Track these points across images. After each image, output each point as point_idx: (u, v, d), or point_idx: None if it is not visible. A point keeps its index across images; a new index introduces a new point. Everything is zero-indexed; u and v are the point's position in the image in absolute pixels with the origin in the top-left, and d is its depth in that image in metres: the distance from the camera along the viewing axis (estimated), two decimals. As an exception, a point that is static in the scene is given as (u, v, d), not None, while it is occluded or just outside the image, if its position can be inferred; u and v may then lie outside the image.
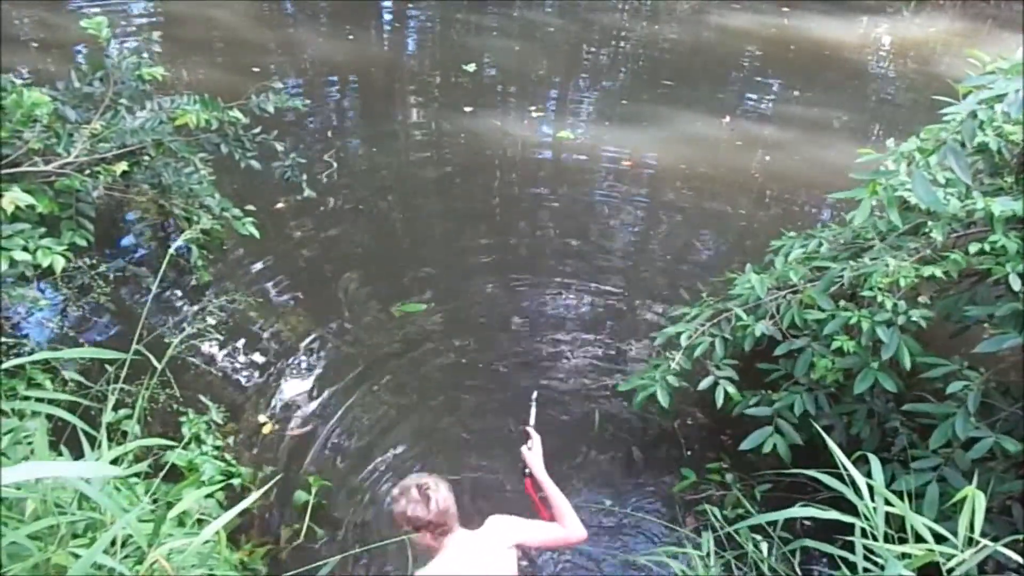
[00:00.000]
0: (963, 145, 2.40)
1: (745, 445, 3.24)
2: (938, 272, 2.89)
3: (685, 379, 3.38)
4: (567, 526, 2.37)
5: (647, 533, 3.32)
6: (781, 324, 3.27)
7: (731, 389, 3.30)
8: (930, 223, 3.12)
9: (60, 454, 1.82)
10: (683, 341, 3.39)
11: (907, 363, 2.90)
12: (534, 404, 2.75)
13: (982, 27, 10.89)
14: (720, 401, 3.28)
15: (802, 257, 3.59)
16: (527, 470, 2.54)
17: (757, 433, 3.24)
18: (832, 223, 3.94)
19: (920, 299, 3.02)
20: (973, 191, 3.02)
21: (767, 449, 3.18)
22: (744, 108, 7.71)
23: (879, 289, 2.97)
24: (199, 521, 2.50)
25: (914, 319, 2.91)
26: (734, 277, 3.72)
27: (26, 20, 7.84)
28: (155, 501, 2.40)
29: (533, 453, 2.53)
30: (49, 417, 1.86)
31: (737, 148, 6.76)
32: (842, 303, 3.18)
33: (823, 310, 3.16)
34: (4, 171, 3.23)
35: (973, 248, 2.90)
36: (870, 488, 1.85)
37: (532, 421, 2.66)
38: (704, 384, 3.36)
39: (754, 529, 2.45)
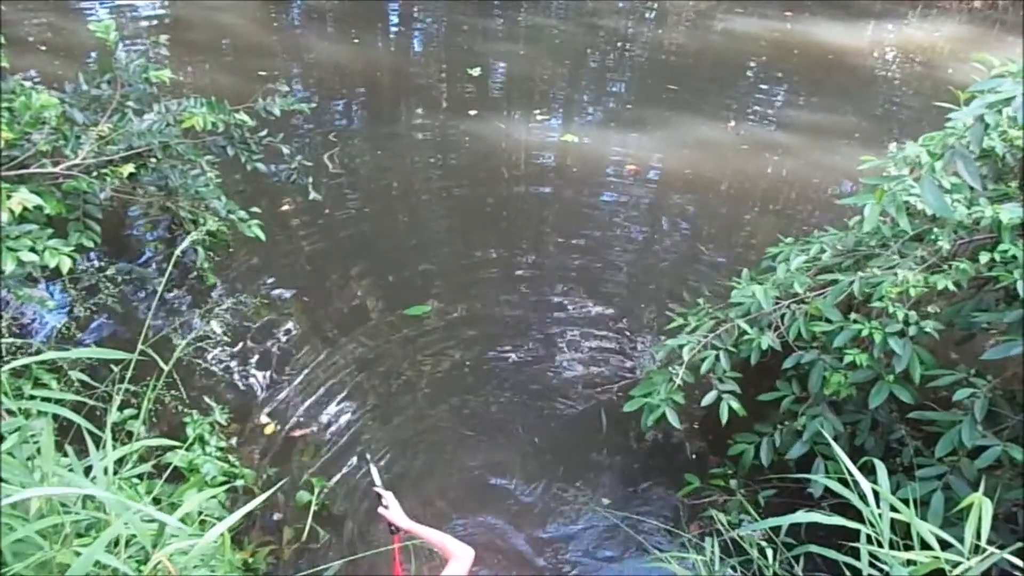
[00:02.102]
0: (970, 149, 2.39)
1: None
2: (949, 284, 2.86)
3: (688, 387, 3.37)
4: (456, 556, 2.31)
5: (651, 538, 3.31)
6: (787, 336, 3.24)
7: (735, 404, 3.27)
8: (936, 230, 3.10)
9: (65, 454, 1.83)
10: (685, 355, 3.34)
11: (917, 375, 2.88)
12: (373, 466, 2.77)
13: (989, 31, 10.87)
14: (725, 417, 3.25)
15: (804, 265, 3.54)
16: (393, 527, 2.52)
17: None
18: (831, 227, 3.89)
19: (930, 308, 2.99)
20: (979, 198, 3.00)
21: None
22: (749, 113, 7.71)
23: (889, 299, 2.94)
24: (202, 522, 2.51)
25: (927, 330, 2.89)
26: (735, 286, 3.69)
27: (35, 24, 7.88)
28: (157, 502, 2.40)
29: (391, 511, 2.51)
30: (55, 416, 1.86)
31: (742, 153, 6.76)
32: (853, 316, 3.14)
33: (831, 322, 3.13)
34: (12, 172, 3.25)
35: (984, 258, 2.86)
36: (875, 494, 1.84)
37: (378, 482, 2.67)
38: (707, 400, 3.33)
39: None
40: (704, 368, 3.32)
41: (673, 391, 3.32)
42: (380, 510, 2.53)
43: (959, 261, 2.95)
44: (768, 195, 6.17)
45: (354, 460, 3.57)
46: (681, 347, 3.39)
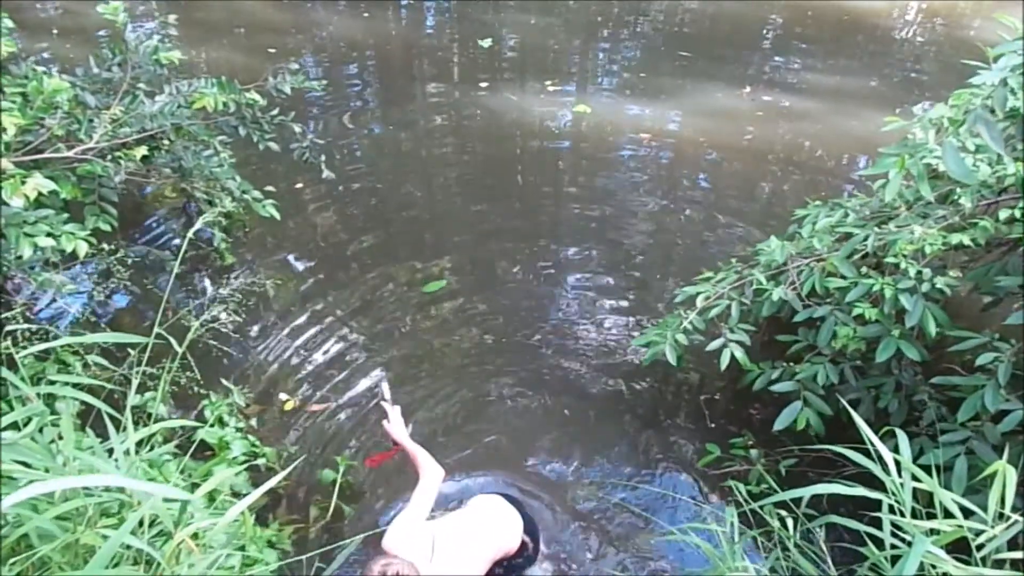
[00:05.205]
0: (993, 112, 2.32)
1: (778, 425, 3.18)
2: (966, 239, 2.80)
3: (708, 355, 3.36)
4: (425, 475, 2.57)
5: (671, 508, 3.32)
6: (801, 291, 3.22)
7: (739, 353, 3.26)
8: (959, 190, 3.04)
9: (87, 437, 1.85)
10: (699, 302, 3.39)
11: (932, 331, 2.83)
12: (385, 383, 2.99)
13: (1014, -12, 10.50)
14: (725, 363, 3.25)
15: (828, 227, 3.51)
16: (391, 440, 2.76)
17: (788, 410, 3.19)
18: (858, 193, 3.84)
19: (951, 272, 2.93)
20: (1004, 157, 2.92)
21: (801, 425, 3.12)
22: (765, 78, 7.55)
23: (903, 256, 2.89)
24: (230, 500, 2.55)
25: (938, 286, 2.84)
26: (758, 250, 3.66)
27: (48, 6, 7.89)
28: (183, 475, 2.44)
29: (393, 424, 2.74)
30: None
31: (758, 119, 6.63)
32: (864, 270, 3.10)
33: (845, 277, 3.10)
34: (27, 158, 3.26)
35: (1004, 215, 2.81)
36: (897, 463, 1.82)
37: (388, 396, 2.88)
38: (713, 345, 3.34)
39: (779, 504, 2.44)
40: (712, 313, 3.35)
41: (677, 329, 3.34)
42: (384, 423, 2.77)
43: (981, 219, 2.89)
44: (785, 162, 6.06)
45: (376, 436, 3.59)
46: (698, 294, 3.43)
